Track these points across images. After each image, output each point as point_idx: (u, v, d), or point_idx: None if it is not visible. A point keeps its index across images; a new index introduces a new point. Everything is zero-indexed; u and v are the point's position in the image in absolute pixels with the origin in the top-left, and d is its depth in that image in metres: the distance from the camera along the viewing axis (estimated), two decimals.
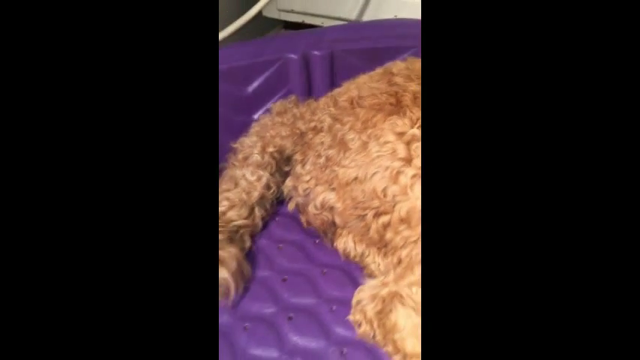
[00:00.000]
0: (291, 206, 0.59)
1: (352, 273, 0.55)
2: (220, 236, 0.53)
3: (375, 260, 0.51)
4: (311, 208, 0.54)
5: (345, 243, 0.53)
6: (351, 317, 0.49)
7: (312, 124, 0.55)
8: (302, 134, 0.57)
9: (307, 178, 0.54)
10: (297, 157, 0.57)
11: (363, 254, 0.52)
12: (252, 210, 0.57)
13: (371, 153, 0.46)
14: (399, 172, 0.44)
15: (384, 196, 0.45)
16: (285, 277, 0.55)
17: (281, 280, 0.55)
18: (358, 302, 0.48)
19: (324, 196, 0.52)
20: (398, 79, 0.51)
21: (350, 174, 0.48)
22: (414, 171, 0.44)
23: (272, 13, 1.15)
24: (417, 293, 0.44)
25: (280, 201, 0.62)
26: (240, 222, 0.55)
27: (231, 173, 0.59)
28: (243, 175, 0.57)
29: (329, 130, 0.52)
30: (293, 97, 0.65)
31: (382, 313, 0.45)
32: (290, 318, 0.51)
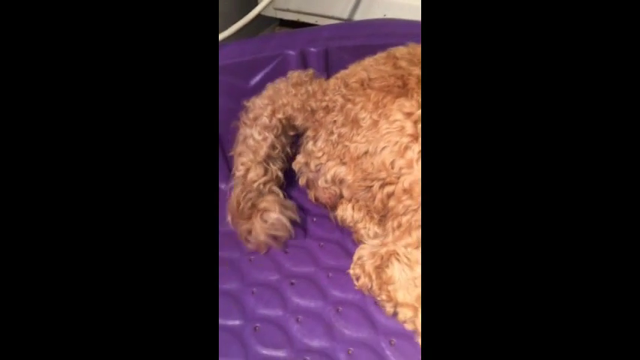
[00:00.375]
0: (302, 181, 0.63)
1: (346, 245, 0.63)
2: (253, 195, 0.59)
3: (366, 226, 0.58)
4: (321, 183, 0.59)
5: (344, 211, 0.60)
6: (350, 271, 0.55)
7: (324, 104, 0.58)
8: (313, 111, 0.60)
9: (319, 154, 0.58)
10: (309, 133, 0.61)
11: (357, 221, 0.59)
12: (266, 167, 0.62)
13: (381, 130, 0.50)
14: (406, 147, 0.48)
15: (392, 168, 0.49)
16: (287, 250, 0.62)
17: (284, 252, 0.62)
18: (359, 258, 0.54)
19: (336, 169, 0.56)
20: (402, 63, 0.55)
21: (361, 148, 0.52)
22: (420, 147, 0.48)
23: (269, 12, 1.21)
24: (411, 253, 0.50)
25: (282, 184, 0.67)
26: (261, 180, 0.61)
27: (242, 132, 0.64)
28: (252, 135, 0.62)
29: (341, 110, 0.55)
30: (311, 72, 0.66)
31: (380, 268, 0.52)
32: (292, 283, 0.58)
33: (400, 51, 0.59)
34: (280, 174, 0.64)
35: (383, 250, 0.52)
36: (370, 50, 0.78)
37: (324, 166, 0.57)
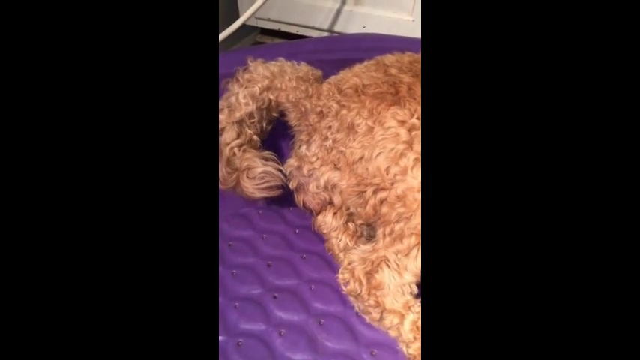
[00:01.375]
0: (292, 185, 0.63)
1: (328, 257, 0.64)
2: (231, 154, 0.60)
3: (338, 236, 0.60)
4: (312, 188, 0.59)
5: (325, 217, 0.61)
6: (339, 275, 0.56)
7: (318, 109, 0.58)
8: (306, 112, 0.60)
9: (313, 159, 0.58)
10: (302, 137, 0.61)
11: (332, 228, 0.60)
12: (240, 129, 0.62)
13: (376, 136, 0.51)
14: (402, 155, 0.49)
15: (387, 174, 0.50)
16: (269, 263, 0.63)
17: (267, 265, 0.63)
18: (350, 262, 0.55)
19: (329, 175, 0.56)
20: (392, 70, 0.56)
21: (357, 154, 0.53)
22: (415, 155, 0.49)
23: (250, 21, 1.22)
24: (401, 260, 0.51)
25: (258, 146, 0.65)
26: (234, 143, 0.61)
27: (232, 88, 0.64)
28: (237, 94, 0.62)
29: (336, 116, 0.56)
30: (320, 73, 0.67)
31: (370, 273, 0.53)
32: (275, 297, 0.59)
33: (389, 59, 0.60)
34: (255, 137, 0.64)
35: (374, 256, 0.53)
36: (349, 64, 0.80)
37: (317, 171, 0.58)
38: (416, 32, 1.01)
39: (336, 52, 0.80)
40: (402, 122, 0.51)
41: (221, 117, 0.61)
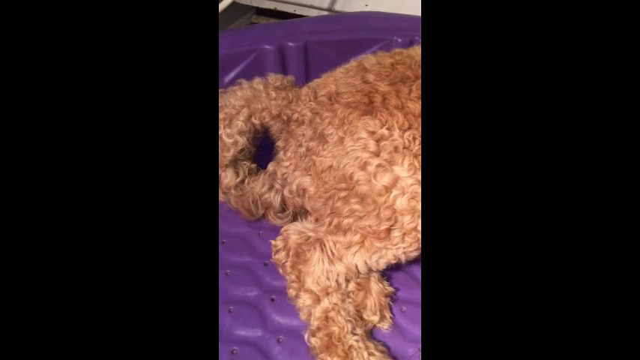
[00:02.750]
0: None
1: None
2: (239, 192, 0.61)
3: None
4: (286, 192, 0.59)
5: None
6: (273, 241, 0.56)
7: (296, 116, 0.59)
8: (289, 121, 0.60)
9: (287, 163, 0.58)
10: (280, 144, 0.61)
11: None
12: (236, 166, 0.61)
13: (346, 147, 0.51)
14: (366, 163, 0.50)
15: (351, 179, 0.51)
16: (266, 262, 0.59)
17: (263, 265, 0.59)
18: (286, 230, 0.56)
19: (300, 180, 0.56)
20: (370, 77, 0.55)
21: (326, 163, 0.53)
22: (378, 161, 0.49)
23: (244, 0, 1.16)
24: (339, 249, 0.51)
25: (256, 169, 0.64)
26: (236, 182, 0.61)
27: None
28: (220, 136, 0.59)
29: (310, 124, 0.56)
30: (292, 77, 0.66)
31: (301, 248, 0.53)
32: (273, 300, 0.55)
33: (370, 61, 0.59)
34: (252, 165, 0.64)
35: (312, 234, 0.53)
36: (352, 45, 0.75)
37: (290, 175, 0.58)
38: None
39: (336, 33, 0.74)
40: (372, 133, 0.51)
41: None
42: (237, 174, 0.62)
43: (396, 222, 0.48)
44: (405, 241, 0.49)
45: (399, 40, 0.75)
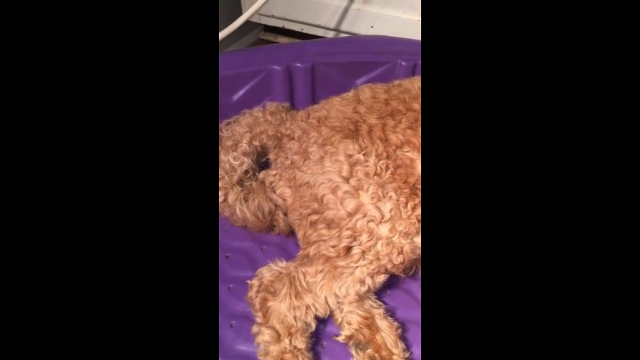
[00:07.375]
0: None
1: None
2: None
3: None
4: (274, 199, 0.63)
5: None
6: (249, 281, 0.56)
7: (288, 132, 0.65)
8: (282, 137, 0.66)
9: (274, 172, 0.63)
10: (272, 156, 0.67)
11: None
12: (242, 185, 0.65)
13: (324, 166, 0.55)
14: (337, 187, 0.53)
15: (322, 202, 0.54)
16: None
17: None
18: (260, 272, 0.56)
19: (283, 190, 0.61)
20: (361, 109, 0.60)
21: (304, 178, 0.57)
22: (347, 188, 0.52)
23: (253, 17, 1.18)
24: (306, 282, 0.52)
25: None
26: (242, 196, 0.64)
27: (219, 157, 0.67)
28: (228, 160, 0.65)
29: (298, 140, 0.62)
30: (287, 104, 0.74)
31: (272, 285, 0.53)
32: None
33: (365, 94, 0.63)
34: (254, 184, 0.67)
35: (283, 271, 0.55)
36: (357, 67, 0.77)
37: (276, 184, 0.62)
38: None
39: (343, 55, 0.76)
40: (349, 156, 0.54)
41: (220, 184, 0.64)
42: (241, 191, 0.64)
43: (354, 240, 0.51)
44: (366, 258, 0.51)
45: (403, 63, 0.77)
